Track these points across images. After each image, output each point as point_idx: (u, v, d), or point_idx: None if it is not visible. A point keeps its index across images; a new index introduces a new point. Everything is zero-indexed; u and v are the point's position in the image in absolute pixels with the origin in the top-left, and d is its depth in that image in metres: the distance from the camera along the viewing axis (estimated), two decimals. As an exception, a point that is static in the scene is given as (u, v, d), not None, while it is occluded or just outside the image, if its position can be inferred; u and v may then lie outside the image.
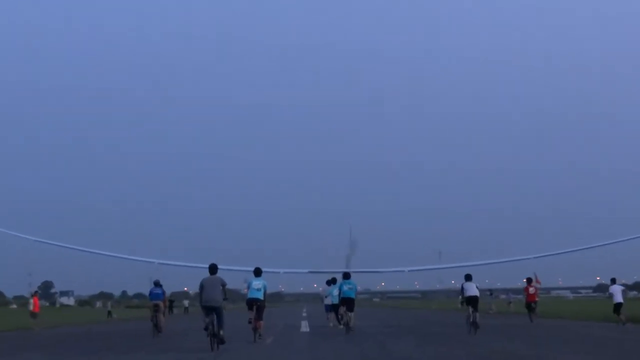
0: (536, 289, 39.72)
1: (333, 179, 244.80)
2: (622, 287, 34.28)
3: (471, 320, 27.01)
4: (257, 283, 24.14)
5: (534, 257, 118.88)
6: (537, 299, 38.69)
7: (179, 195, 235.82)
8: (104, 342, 28.43)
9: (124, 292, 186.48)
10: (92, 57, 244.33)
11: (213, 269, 21.58)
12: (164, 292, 31.67)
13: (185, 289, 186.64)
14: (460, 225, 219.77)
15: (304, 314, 61.88)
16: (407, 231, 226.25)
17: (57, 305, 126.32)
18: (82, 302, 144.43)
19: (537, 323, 35.36)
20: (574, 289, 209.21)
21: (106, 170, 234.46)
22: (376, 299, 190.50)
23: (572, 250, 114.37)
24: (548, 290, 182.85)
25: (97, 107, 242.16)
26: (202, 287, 21.22)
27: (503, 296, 64.50)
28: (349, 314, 29.02)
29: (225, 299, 21.33)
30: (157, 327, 30.04)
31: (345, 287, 29.72)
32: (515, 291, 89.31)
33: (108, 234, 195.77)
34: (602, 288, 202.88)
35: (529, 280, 39.29)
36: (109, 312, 67.98)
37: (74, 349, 24.73)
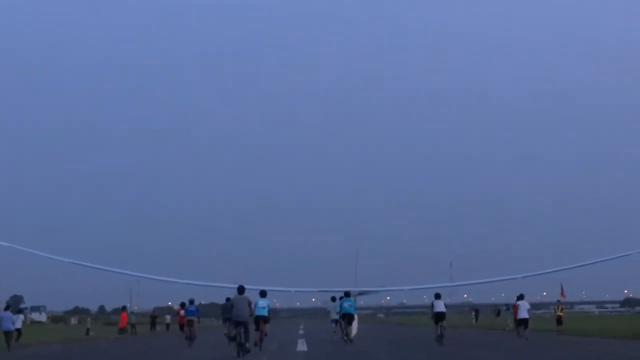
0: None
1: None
2: (528, 306, 39.96)
3: (439, 332, 34.08)
4: (262, 302, 30.39)
5: (522, 277, 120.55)
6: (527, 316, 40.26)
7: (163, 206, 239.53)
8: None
9: (101, 308, 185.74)
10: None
11: (241, 289, 28.22)
12: (197, 309, 40.67)
13: (170, 303, 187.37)
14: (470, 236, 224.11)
15: (301, 332, 62.02)
16: (417, 243, 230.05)
17: (28, 322, 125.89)
18: (56, 319, 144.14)
19: (532, 339, 38.19)
20: (599, 304, 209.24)
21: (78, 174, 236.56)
22: (381, 315, 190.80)
23: (560, 269, 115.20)
24: (571, 304, 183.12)
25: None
26: (232, 304, 28.14)
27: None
28: (349, 327, 37.01)
29: (250, 315, 28.12)
30: (191, 337, 38.73)
31: (345, 304, 37.69)
32: (535, 306, 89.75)
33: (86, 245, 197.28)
34: (630, 302, 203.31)
35: (520, 297, 41.25)
36: (88, 330, 67.84)
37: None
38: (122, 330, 63.91)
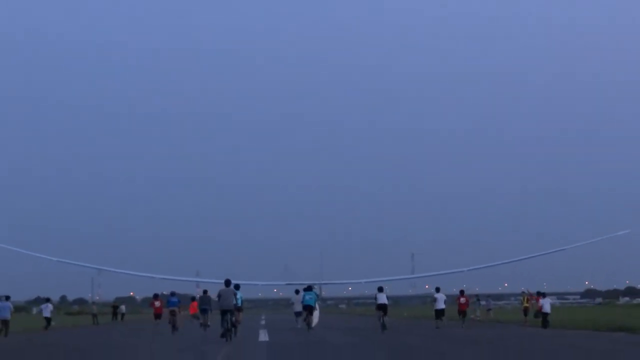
0: (467, 299, 48.85)
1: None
2: (445, 297, 45.40)
3: (381, 322, 38.99)
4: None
5: (468, 270, 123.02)
6: (466, 308, 48.06)
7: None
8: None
9: (63, 297, 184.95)
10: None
11: (228, 282, 32.70)
12: (179, 300, 46.24)
13: (131, 293, 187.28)
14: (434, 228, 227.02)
15: (263, 322, 62.35)
16: (379, 234, 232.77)
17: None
18: (17, 308, 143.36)
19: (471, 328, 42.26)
20: (560, 295, 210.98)
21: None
22: (342, 306, 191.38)
23: (507, 262, 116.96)
24: (532, 295, 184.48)
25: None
26: (219, 295, 32.41)
27: (483, 302, 65.57)
28: (310, 317, 41.98)
29: (235, 304, 33.04)
30: (173, 326, 43.75)
31: (307, 297, 42.97)
32: (495, 297, 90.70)
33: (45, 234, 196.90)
34: (591, 293, 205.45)
35: (462, 292, 48.83)
36: (48, 320, 67.25)
37: None
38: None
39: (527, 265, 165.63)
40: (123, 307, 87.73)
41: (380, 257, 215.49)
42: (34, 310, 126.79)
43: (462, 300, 48.29)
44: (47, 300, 59.59)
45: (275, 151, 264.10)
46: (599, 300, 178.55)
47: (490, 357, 22.34)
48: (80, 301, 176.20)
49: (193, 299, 54.74)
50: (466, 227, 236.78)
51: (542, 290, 50.92)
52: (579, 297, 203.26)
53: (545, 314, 44.18)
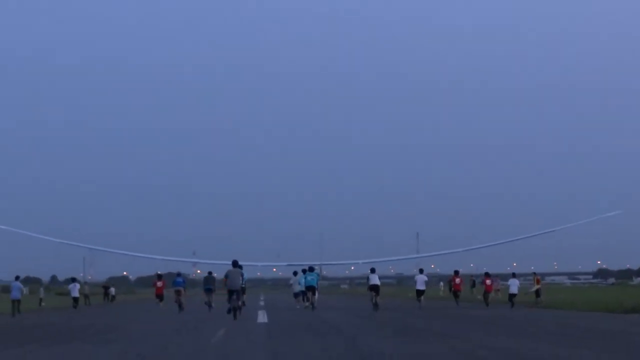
0: (462, 279, 53.07)
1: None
2: (425, 278, 48.77)
3: (373, 302, 41.99)
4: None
5: (464, 250, 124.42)
6: (461, 288, 52.73)
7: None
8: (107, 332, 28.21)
9: (53, 278, 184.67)
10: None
11: (235, 263, 34.56)
12: (184, 281, 48.68)
13: (125, 273, 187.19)
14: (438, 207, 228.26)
15: (262, 303, 62.12)
16: (382, 214, 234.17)
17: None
18: (5, 288, 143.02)
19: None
20: (571, 275, 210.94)
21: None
22: (344, 286, 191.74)
23: (502, 242, 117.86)
24: (542, 275, 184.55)
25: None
26: (226, 276, 33.95)
27: (488, 282, 64.70)
28: (314, 297, 44.90)
29: (242, 284, 34.84)
30: (180, 306, 45.69)
31: (309, 278, 45.95)
32: (503, 277, 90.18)
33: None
34: (603, 273, 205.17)
35: (457, 273, 52.93)
36: (40, 300, 67.23)
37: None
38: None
39: (537, 245, 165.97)
40: (113, 289, 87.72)
41: (384, 237, 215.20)
42: (24, 291, 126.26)
43: (457, 280, 52.39)
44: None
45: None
46: (611, 280, 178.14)
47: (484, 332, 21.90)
48: (72, 281, 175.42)
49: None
50: (470, 206, 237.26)
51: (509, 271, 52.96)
52: (591, 277, 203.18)
53: (512, 295, 47.34)
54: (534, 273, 53.65)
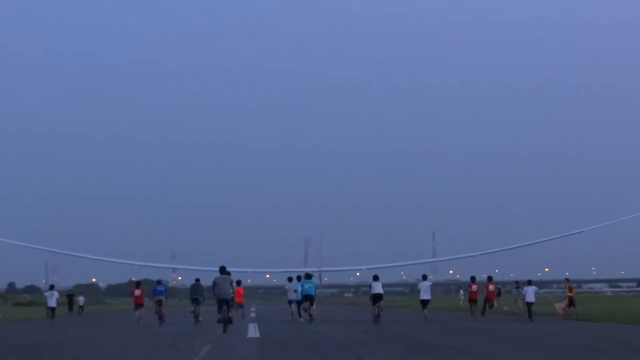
0: (479, 287, 53.80)
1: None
2: (430, 284, 48.84)
3: (376, 313, 42.74)
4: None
5: (480, 254, 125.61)
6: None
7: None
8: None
9: (10, 285, 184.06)
10: None
11: (223, 269, 35.56)
12: (166, 289, 49.82)
13: (94, 279, 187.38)
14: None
15: (253, 315, 62.35)
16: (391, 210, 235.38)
17: None
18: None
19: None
20: (612, 282, 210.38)
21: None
22: (348, 295, 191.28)
23: (519, 246, 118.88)
24: (579, 282, 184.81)
25: None
26: (215, 284, 34.88)
27: (473, 287, 64.12)
28: (312, 307, 45.67)
29: (232, 292, 35.66)
30: (160, 317, 46.53)
31: (306, 286, 46.79)
32: (539, 285, 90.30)
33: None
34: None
35: (473, 279, 54.29)
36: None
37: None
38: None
39: (572, 249, 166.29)
40: (81, 298, 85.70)
41: (394, 238, 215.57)
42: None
43: (474, 287, 53.79)
44: (53, 287, 61.97)
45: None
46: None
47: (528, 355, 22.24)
48: (32, 289, 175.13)
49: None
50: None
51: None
52: (635, 284, 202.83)
53: (529, 304, 47.16)
54: (566, 279, 53.61)
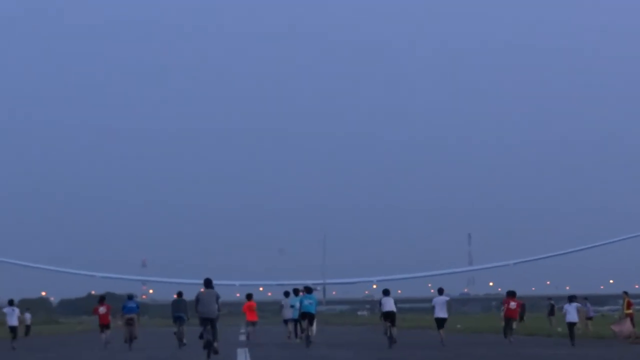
0: (519, 304, 52.18)
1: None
2: (447, 299, 48.98)
3: (388, 334, 44.03)
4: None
5: (514, 263, 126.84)
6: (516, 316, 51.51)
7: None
8: None
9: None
10: None
11: (208, 283, 35.69)
12: (138, 306, 51.00)
13: (43, 293, 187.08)
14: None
15: (242, 337, 61.83)
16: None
17: None
18: None
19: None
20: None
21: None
22: (362, 313, 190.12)
23: (555, 255, 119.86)
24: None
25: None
26: (198, 300, 35.14)
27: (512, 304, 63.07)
28: (310, 327, 46.10)
29: (219, 310, 35.36)
30: (131, 339, 47.77)
31: (305, 302, 46.51)
32: (594, 299, 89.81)
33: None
34: None
35: (511, 294, 51.41)
36: None
37: None
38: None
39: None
40: (28, 316, 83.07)
41: (421, 243, 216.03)
42: None
43: (512, 304, 50.72)
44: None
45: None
46: None
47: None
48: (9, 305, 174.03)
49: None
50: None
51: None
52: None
53: (571, 324, 46.35)
54: (625, 292, 53.27)
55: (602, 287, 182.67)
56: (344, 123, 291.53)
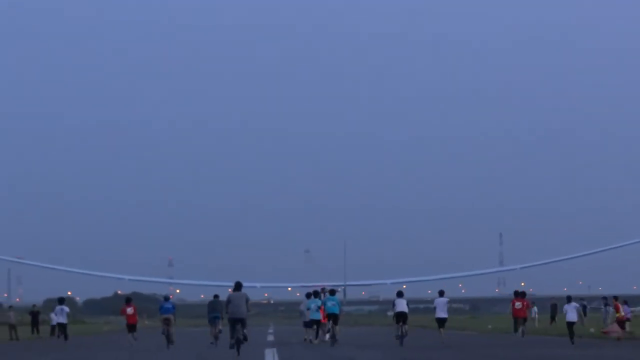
0: (526, 303, 56.11)
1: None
2: (446, 301, 50.83)
3: (400, 334, 46.58)
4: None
5: (521, 267, 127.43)
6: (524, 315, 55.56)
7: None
8: None
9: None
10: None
11: (239, 286, 38.76)
12: (174, 306, 51.65)
13: (69, 293, 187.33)
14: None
15: (270, 337, 62.20)
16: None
17: None
18: None
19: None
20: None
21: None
22: (391, 313, 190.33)
23: (560, 260, 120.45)
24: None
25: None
26: (229, 301, 38.39)
27: (602, 308, 63.73)
28: (335, 327, 49.01)
29: (248, 311, 38.37)
30: (168, 339, 49.53)
31: (329, 304, 49.70)
32: (631, 301, 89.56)
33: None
34: None
35: (519, 294, 56.32)
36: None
37: None
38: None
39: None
40: (54, 316, 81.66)
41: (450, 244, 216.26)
42: None
43: (517, 304, 55.46)
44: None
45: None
46: None
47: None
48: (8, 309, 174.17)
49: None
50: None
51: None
52: None
53: (570, 324, 49.60)
54: (614, 297, 54.67)
55: (635, 287, 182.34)
56: (344, 123, 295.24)
